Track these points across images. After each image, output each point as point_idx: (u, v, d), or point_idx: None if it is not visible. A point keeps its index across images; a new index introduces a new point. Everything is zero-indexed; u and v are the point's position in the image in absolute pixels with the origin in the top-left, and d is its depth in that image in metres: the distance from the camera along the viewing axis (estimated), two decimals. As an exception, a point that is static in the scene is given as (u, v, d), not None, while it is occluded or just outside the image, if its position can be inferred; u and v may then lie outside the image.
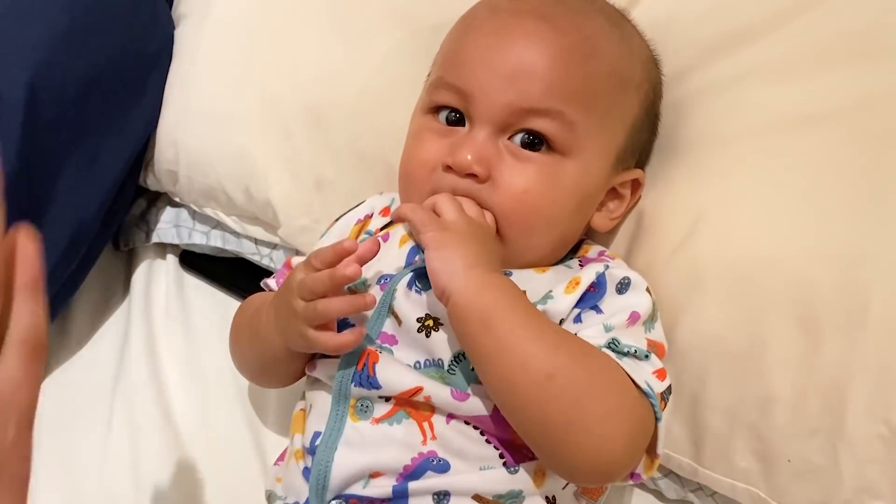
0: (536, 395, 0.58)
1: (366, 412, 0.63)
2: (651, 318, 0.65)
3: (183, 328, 0.92)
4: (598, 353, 0.61)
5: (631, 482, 0.65)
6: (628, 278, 0.66)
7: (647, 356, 0.62)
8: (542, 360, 0.58)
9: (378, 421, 0.63)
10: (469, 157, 0.64)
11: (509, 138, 0.66)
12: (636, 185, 0.73)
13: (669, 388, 0.63)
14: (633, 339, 0.62)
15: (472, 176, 0.65)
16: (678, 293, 0.70)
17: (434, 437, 0.62)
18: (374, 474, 0.62)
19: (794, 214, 0.69)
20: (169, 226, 0.96)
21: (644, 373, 0.61)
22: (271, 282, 0.78)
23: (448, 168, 0.66)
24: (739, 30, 0.77)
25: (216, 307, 0.94)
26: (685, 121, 0.76)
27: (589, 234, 0.76)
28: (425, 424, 0.63)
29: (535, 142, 0.66)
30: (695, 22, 0.79)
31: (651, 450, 0.62)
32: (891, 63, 0.72)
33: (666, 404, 0.62)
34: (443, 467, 0.62)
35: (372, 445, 0.63)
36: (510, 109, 0.65)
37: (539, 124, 0.65)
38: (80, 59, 0.82)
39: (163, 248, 0.99)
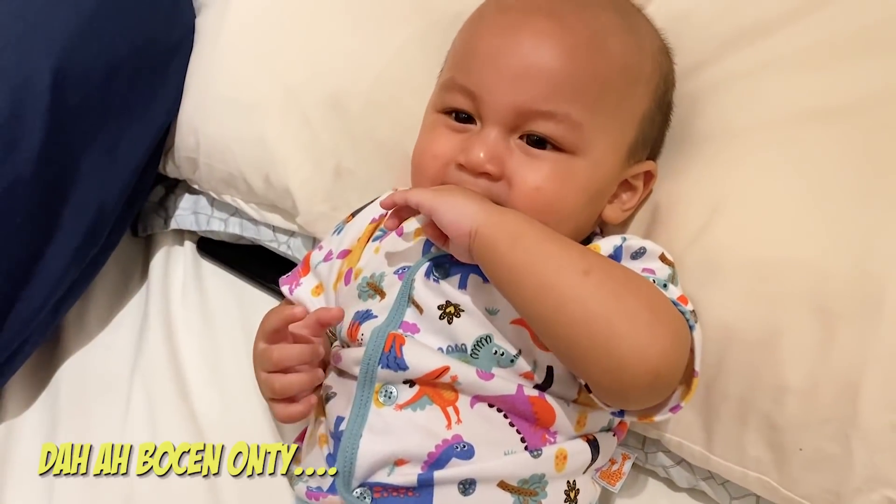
0: (575, 292, 0.59)
1: (390, 398, 0.64)
2: (670, 279, 0.66)
3: (200, 313, 0.93)
4: (623, 266, 0.64)
5: (671, 415, 0.63)
6: (644, 248, 0.68)
7: (664, 285, 0.64)
8: (576, 260, 0.60)
9: (402, 407, 0.64)
10: (482, 155, 0.65)
11: (520, 137, 0.67)
12: (649, 177, 0.74)
13: (694, 312, 0.64)
14: None
15: (486, 175, 0.66)
16: (694, 283, 0.70)
17: (459, 421, 0.63)
18: (399, 462, 0.63)
19: (810, 207, 0.70)
20: (187, 212, 0.97)
21: (668, 294, 0.63)
22: (285, 289, 0.80)
23: (461, 167, 0.67)
24: (755, 24, 0.78)
25: (233, 293, 0.95)
26: (701, 113, 0.77)
27: (601, 226, 0.77)
28: (449, 409, 0.63)
29: (543, 142, 0.67)
30: (711, 17, 0.80)
31: (687, 374, 0.63)
32: (905, 58, 0.72)
33: (696, 319, 0.64)
34: (467, 453, 0.63)
35: (396, 432, 0.63)
36: (517, 111, 0.66)
37: (545, 127, 0.66)
38: (105, 46, 0.83)
39: (180, 235, 1.00)
